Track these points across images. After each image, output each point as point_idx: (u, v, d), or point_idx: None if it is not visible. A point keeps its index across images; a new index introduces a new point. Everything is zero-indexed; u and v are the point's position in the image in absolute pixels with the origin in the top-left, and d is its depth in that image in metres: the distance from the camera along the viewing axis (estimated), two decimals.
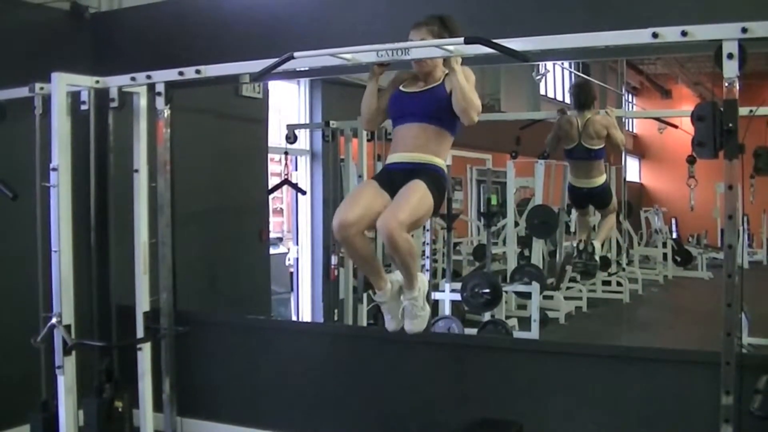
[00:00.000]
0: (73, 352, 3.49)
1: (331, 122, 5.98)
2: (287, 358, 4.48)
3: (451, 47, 2.87)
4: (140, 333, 3.73)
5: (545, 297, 6.79)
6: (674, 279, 10.29)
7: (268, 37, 4.24)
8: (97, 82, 3.65)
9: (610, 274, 8.60)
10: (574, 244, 6.91)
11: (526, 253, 7.75)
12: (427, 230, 6.28)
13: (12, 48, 4.45)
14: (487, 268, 7.09)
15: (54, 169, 3.45)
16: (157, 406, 3.78)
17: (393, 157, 3.17)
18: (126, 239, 3.79)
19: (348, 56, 3.01)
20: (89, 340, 3.76)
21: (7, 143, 4.15)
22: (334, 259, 6.18)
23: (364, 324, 5.70)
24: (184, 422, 4.36)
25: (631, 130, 15.75)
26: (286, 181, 6.22)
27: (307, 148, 6.82)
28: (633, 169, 16.30)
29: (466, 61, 3.08)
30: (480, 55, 2.88)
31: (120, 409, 3.70)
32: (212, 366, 4.64)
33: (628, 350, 3.86)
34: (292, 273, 6.80)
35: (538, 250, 7.39)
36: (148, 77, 3.58)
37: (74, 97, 3.62)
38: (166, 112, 3.62)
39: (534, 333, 6.13)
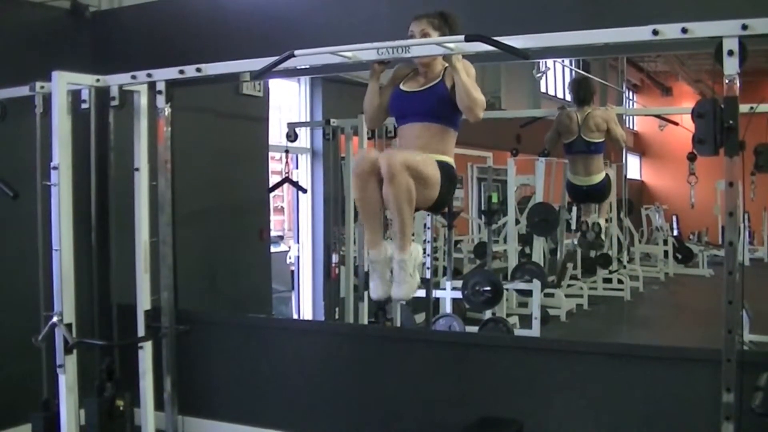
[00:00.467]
0: (74, 351, 3.48)
1: (331, 120, 5.99)
2: (288, 356, 4.48)
3: (451, 45, 2.87)
4: (141, 332, 3.73)
5: (546, 295, 6.80)
6: (675, 276, 10.32)
7: (268, 35, 4.25)
8: (98, 80, 3.65)
9: (611, 272, 8.62)
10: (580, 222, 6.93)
11: (527, 250, 7.77)
12: (428, 228, 6.28)
13: (12, 47, 4.45)
14: (487, 266, 7.10)
15: (55, 168, 3.45)
16: (159, 405, 3.78)
17: None
18: (127, 238, 3.79)
19: (348, 54, 3.00)
20: (90, 339, 3.76)
21: (7, 142, 4.15)
22: (334, 258, 6.19)
23: (365, 322, 5.70)
24: (185, 421, 4.36)
25: (631, 127, 15.77)
26: (286, 180, 6.23)
27: (308, 146, 6.82)
28: (634, 167, 16.32)
29: (466, 56, 3.08)
30: (480, 53, 2.88)
31: (121, 408, 3.70)
32: (213, 365, 4.65)
33: (629, 348, 3.86)
34: (292, 271, 6.81)
35: (539, 248, 7.40)
36: (149, 76, 3.58)
37: (75, 95, 3.62)
38: (167, 111, 3.62)
39: (535, 331, 6.14)
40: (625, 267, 9.08)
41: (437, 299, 6.40)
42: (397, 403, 4.12)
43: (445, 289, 6.41)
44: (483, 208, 7.94)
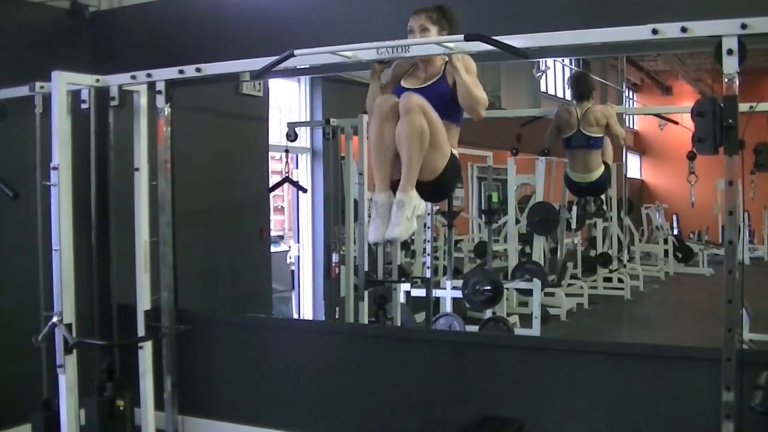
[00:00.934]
0: (74, 351, 3.48)
1: (331, 120, 5.99)
2: (288, 356, 4.48)
3: (451, 44, 2.87)
4: (141, 332, 3.73)
5: (546, 294, 6.81)
6: (675, 275, 10.33)
7: (268, 35, 4.24)
8: (98, 80, 3.65)
9: (611, 271, 8.63)
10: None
11: (527, 250, 7.77)
12: (428, 228, 6.29)
13: (12, 47, 4.45)
14: (488, 266, 7.11)
15: (54, 168, 3.45)
16: (159, 405, 3.77)
17: None
18: (127, 238, 3.79)
19: (348, 54, 3.00)
20: (90, 338, 3.76)
21: (7, 142, 4.15)
22: (335, 257, 6.19)
23: (366, 322, 5.70)
24: (185, 421, 4.36)
25: (631, 126, 15.77)
26: (286, 179, 6.23)
27: (308, 146, 6.83)
28: (634, 166, 16.32)
29: None
30: (480, 52, 2.88)
31: (121, 408, 3.69)
32: (213, 364, 4.65)
33: (629, 347, 3.86)
34: (293, 271, 6.82)
35: (539, 247, 7.40)
36: (149, 76, 3.57)
37: (74, 95, 3.61)
38: (167, 111, 3.61)
39: (535, 330, 6.15)
40: (625, 266, 9.10)
41: (437, 298, 6.41)
42: (397, 402, 4.12)
43: (445, 288, 6.42)
44: (483, 208, 7.95)
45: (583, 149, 5.56)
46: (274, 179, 6.31)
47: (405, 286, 6.36)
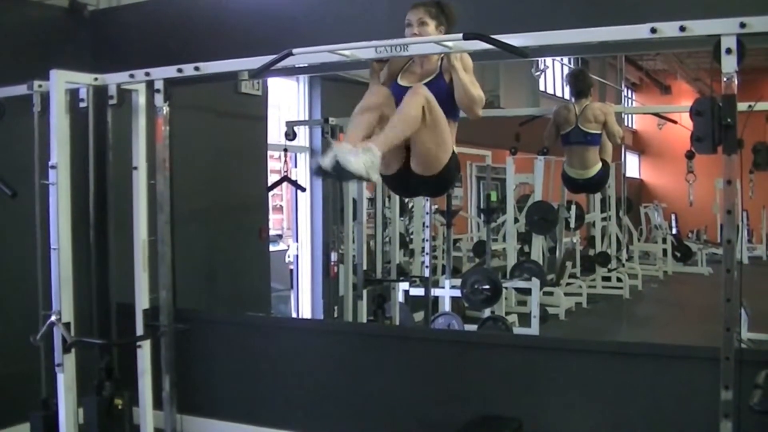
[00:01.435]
0: (73, 350, 3.48)
1: (330, 119, 5.98)
2: (287, 355, 4.48)
3: (450, 43, 2.87)
4: (140, 331, 3.73)
5: (545, 293, 6.81)
6: (674, 274, 10.34)
7: (266, 34, 4.24)
8: (96, 79, 3.64)
9: (610, 270, 8.64)
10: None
11: (526, 249, 7.77)
12: (427, 227, 6.29)
13: (10, 45, 4.44)
14: (486, 265, 7.10)
15: (53, 167, 3.44)
16: (157, 404, 3.77)
17: None
18: (125, 237, 3.78)
19: (347, 53, 3.00)
20: (89, 337, 3.75)
21: (5, 141, 4.14)
22: (333, 256, 6.19)
23: (364, 321, 5.70)
24: (184, 420, 4.36)
25: (630, 126, 15.76)
26: (285, 178, 6.23)
27: (307, 145, 6.83)
28: (633, 165, 16.32)
29: None
30: (479, 51, 2.88)
31: (120, 407, 3.69)
32: (212, 363, 4.64)
33: (628, 346, 3.86)
34: (291, 270, 6.82)
35: (538, 247, 7.40)
36: (147, 74, 3.57)
37: (73, 94, 3.61)
38: (165, 110, 3.61)
39: (534, 329, 6.15)
40: (624, 265, 9.11)
41: (436, 298, 6.40)
42: (396, 401, 4.12)
43: (444, 287, 6.41)
44: (482, 207, 7.96)
45: (581, 145, 5.56)
46: (272, 178, 6.31)
47: (404, 285, 6.36)
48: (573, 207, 8.09)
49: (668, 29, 2.58)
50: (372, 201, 6.35)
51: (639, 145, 16.45)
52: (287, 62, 3.01)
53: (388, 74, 3.27)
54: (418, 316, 6.43)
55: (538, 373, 3.80)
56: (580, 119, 5.50)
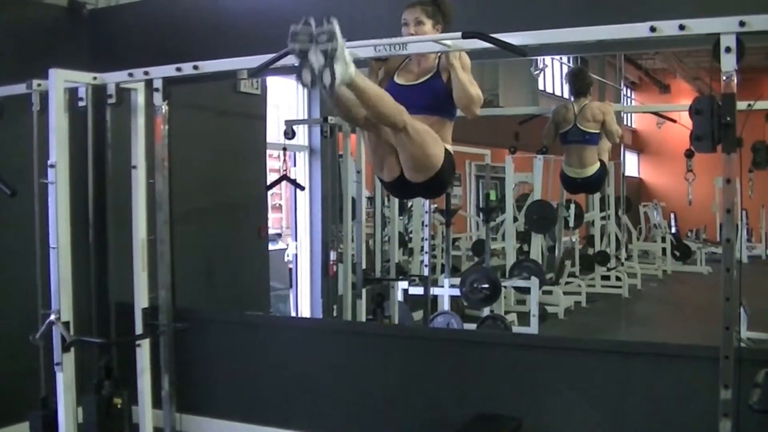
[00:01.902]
0: (72, 349, 3.48)
1: (329, 118, 5.97)
2: (286, 354, 4.48)
3: (449, 42, 2.87)
4: (139, 330, 3.73)
5: (544, 292, 6.80)
6: (673, 274, 10.31)
7: (266, 33, 4.21)
8: (95, 78, 3.64)
9: (609, 269, 8.62)
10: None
11: (525, 248, 7.76)
12: (426, 226, 6.29)
13: (9, 44, 4.45)
14: (486, 264, 7.10)
15: (52, 166, 3.45)
16: (157, 403, 3.77)
17: None
18: (124, 236, 3.78)
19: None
20: (88, 336, 3.76)
21: (4, 140, 4.14)
22: (332, 255, 6.18)
23: (363, 320, 5.70)
24: (183, 419, 4.36)
25: (629, 125, 15.77)
26: (284, 177, 6.22)
27: (306, 144, 6.82)
28: (632, 164, 16.33)
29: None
30: (478, 50, 2.88)
31: (119, 406, 3.69)
32: (211, 362, 4.64)
33: (627, 345, 3.86)
34: (291, 269, 6.80)
35: (537, 246, 7.39)
36: (146, 73, 3.57)
37: (72, 93, 3.61)
38: (164, 109, 3.61)
39: (533, 328, 6.13)
40: (623, 264, 9.09)
41: (435, 296, 6.40)
42: (395, 400, 4.12)
43: (443, 286, 6.40)
44: (481, 206, 7.95)
45: (579, 144, 5.56)
46: (272, 177, 6.30)
47: (403, 284, 6.36)
48: (572, 206, 8.07)
49: (668, 28, 2.58)
50: (371, 200, 6.34)
51: (638, 144, 16.41)
52: (286, 61, 3.00)
53: (384, 72, 3.27)
54: (417, 315, 6.42)
55: (538, 372, 3.80)
56: (579, 118, 5.50)
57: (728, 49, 2.49)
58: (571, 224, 8.20)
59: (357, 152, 5.71)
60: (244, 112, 5.87)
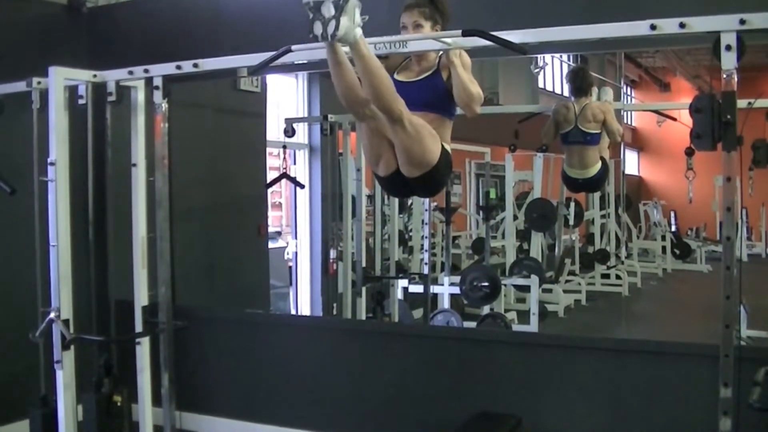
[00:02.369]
0: (72, 347, 3.48)
1: (329, 116, 5.97)
2: (286, 352, 4.49)
3: (449, 40, 2.86)
4: (139, 327, 3.73)
5: (544, 290, 6.80)
6: (673, 272, 10.32)
7: (265, 31, 4.23)
8: (95, 76, 3.64)
9: (609, 268, 8.62)
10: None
11: (525, 246, 7.76)
12: (426, 224, 6.29)
13: (9, 42, 4.44)
14: (485, 262, 7.10)
15: (52, 164, 3.45)
16: (156, 401, 3.77)
17: None
18: (124, 234, 3.78)
19: (346, 49, 2.99)
20: (88, 334, 3.76)
21: (4, 138, 4.14)
22: (332, 253, 6.18)
23: (363, 318, 5.70)
24: (182, 416, 4.37)
25: (629, 123, 15.76)
26: (284, 175, 6.22)
27: (306, 141, 6.81)
28: (632, 163, 16.32)
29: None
30: (478, 48, 2.87)
31: (119, 404, 3.70)
32: (211, 360, 4.64)
33: (627, 343, 3.86)
34: (290, 267, 6.81)
35: (537, 244, 7.39)
36: (146, 71, 3.57)
37: (72, 91, 3.61)
38: (164, 106, 3.61)
39: (533, 326, 6.13)
40: (623, 263, 9.09)
41: (435, 295, 6.40)
42: (395, 398, 4.12)
43: (443, 284, 6.40)
44: (481, 204, 7.95)
45: (580, 145, 5.55)
46: (271, 175, 6.30)
47: (403, 282, 6.36)
48: (572, 204, 8.07)
49: (668, 26, 2.58)
50: (371, 198, 6.34)
51: (638, 142, 16.41)
52: (286, 59, 3.01)
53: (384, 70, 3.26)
54: (417, 313, 6.43)
55: (537, 370, 3.80)
56: (580, 119, 5.49)
57: (728, 47, 2.49)
58: (571, 222, 8.20)
59: (357, 150, 5.71)
60: (244, 109, 5.87)
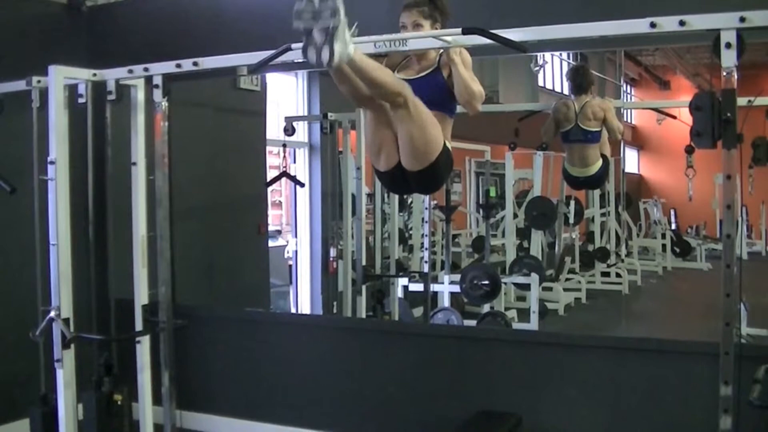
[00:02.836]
0: (72, 346, 3.48)
1: (329, 114, 5.97)
2: (286, 350, 4.49)
3: (449, 38, 2.86)
4: (139, 326, 3.73)
5: (544, 288, 6.80)
6: (673, 270, 10.31)
7: (265, 29, 4.22)
8: (95, 75, 3.64)
9: (609, 266, 8.62)
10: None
11: (525, 244, 7.76)
12: (426, 222, 6.29)
13: (9, 41, 4.44)
14: (486, 260, 7.10)
15: (52, 163, 3.45)
16: (157, 400, 3.77)
17: None
18: (124, 232, 3.78)
19: None
20: (88, 333, 3.77)
21: (4, 137, 4.14)
22: (332, 252, 6.18)
23: (363, 316, 5.70)
24: (183, 415, 4.36)
25: (629, 121, 15.75)
26: (284, 174, 6.22)
27: (306, 140, 6.81)
28: (632, 161, 16.31)
29: None
30: (478, 46, 2.87)
31: (119, 403, 3.70)
32: (211, 359, 4.65)
33: (627, 341, 3.87)
34: (290, 266, 6.80)
35: (537, 242, 7.39)
36: (146, 70, 3.57)
37: (71, 90, 3.61)
38: (164, 105, 3.61)
39: (533, 324, 6.14)
40: (623, 261, 9.08)
41: (435, 293, 6.40)
42: (395, 396, 4.12)
43: (443, 282, 6.41)
44: (481, 202, 7.94)
45: (581, 143, 5.55)
46: (271, 174, 6.30)
47: (403, 281, 6.36)
48: (572, 202, 8.07)
49: (668, 24, 2.58)
50: (371, 196, 6.34)
51: (638, 140, 16.39)
52: (286, 57, 3.00)
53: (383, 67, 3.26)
54: (417, 311, 6.43)
55: (538, 369, 3.80)
56: (580, 117, 5.49)
57: (728, 45, 2.49)
58: (571, 221, 8.20)
59: (357, 149, 5.71)
60: (244, 108, 5.86)
